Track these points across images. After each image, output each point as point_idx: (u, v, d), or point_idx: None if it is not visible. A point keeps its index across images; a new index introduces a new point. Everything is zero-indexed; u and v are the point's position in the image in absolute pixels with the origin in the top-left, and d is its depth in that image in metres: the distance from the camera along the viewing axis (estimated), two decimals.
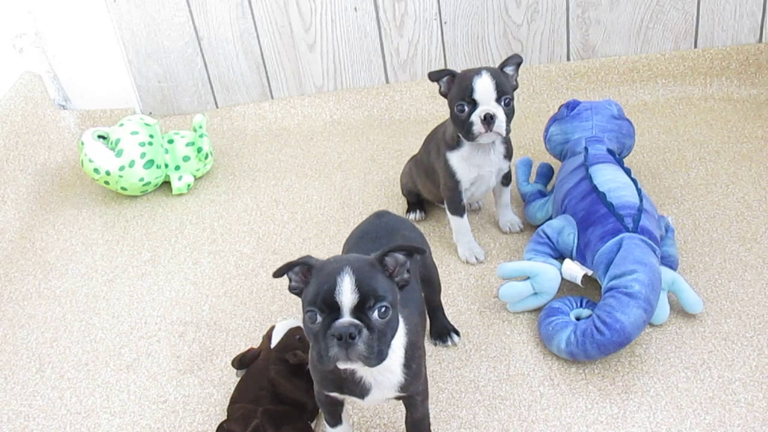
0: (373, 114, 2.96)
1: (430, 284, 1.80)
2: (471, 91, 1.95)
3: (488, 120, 1.95)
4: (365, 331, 1.28)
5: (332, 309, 1.28)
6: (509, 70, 2.02)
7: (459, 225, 2.16)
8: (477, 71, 1.97)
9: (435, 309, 1.87)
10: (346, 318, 1.28)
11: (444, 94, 2.04)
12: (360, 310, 1.28)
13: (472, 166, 2.08)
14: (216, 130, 2.99)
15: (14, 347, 2.07)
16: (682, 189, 2.33)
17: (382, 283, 1.32)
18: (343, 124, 2.95)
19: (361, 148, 2.78)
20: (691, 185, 2.34)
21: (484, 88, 1.95)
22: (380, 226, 1.71)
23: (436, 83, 2.04)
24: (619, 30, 2.85)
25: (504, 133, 1.98)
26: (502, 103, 1.97)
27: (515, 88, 2.03)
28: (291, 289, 1.39)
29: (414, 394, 1.49)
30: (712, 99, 2.79)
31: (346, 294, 1.27)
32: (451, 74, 2.02)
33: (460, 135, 2.03)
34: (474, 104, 1.96)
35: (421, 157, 2.27)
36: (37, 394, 1.92)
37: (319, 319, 1.29)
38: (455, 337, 1.88)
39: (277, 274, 1.37)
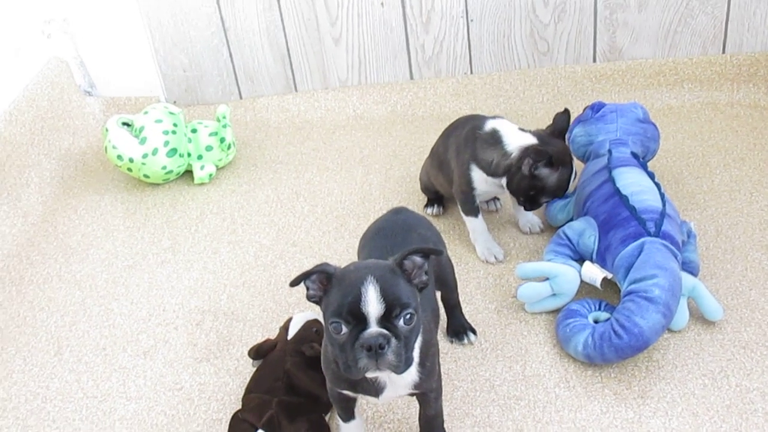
0: (397, 110, 2.96)
1: (446, 282, 1.80)
2: (566, 189, 2.11)
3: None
4: (393, 341, 1.28)
5: (358, 320, 1.28)
6: (565, 130, 2.14)
7: (474, 225, 2.16)
8: (571, 162, 2.08)
9: (452, 307, 1.87)
10: (375, 329, 1.28)
11: (531, 170, 2.03)
12: (386, 319, 1.28)
13: (492, 185, 2.10)
14: (239, 121, 3.00)
15: (33, 329, 2.09)
16: (706, 195, 2.31)
17: (405, 289, 1.32)
18: (366, 118, 2.95)
19: (384, 144, 2.78)
20: (714, 191, 2.32)
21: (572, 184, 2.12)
22: (396, 223, 1.71)
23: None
24: (647, 33, 2.83)
25: None
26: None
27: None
28: (309, 298, 1.38)
29: (428, 392, 1.49)
30: (739, 105, 2.76)
31: (373, 304, 1.27)
32: (549, 155, 2.01)
33: (518, 200, 2.14)
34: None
35: (438, 149, 2.26)
36: (55, 376, 1.93)
37: (345, 330, 1.29)
38: (472, 336, 1.88)
39: (294, 283, 1.35)
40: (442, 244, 1.78)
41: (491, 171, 2.06)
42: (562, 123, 2.09)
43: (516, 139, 2.04)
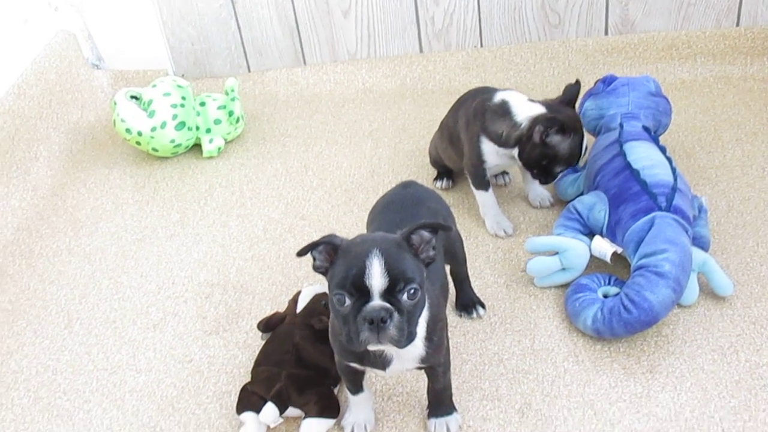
0: (406, 83, 2.94)
1: (455, 256, 1.79)
2: (580, 158, 2.07)
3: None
4: (396, 315, 1.28)
5: (362, 292, 1.28)
6: (575, 99, 2.11)
7: (484, 199, 2.15)
8: (581, 128, 2.05)
9: (461, 281, 1.86)
10: (377, 302, 1.27)
11: (543, 138, 2.01)
12: (389, 293, 1.28)
13: (503, 157, 2.08)
14: (247, 94, 2.98)
15: (44, 302, 2.09)
16: (717, 170, 2.29)
17: (410, 264, 1.31)
18: (375, 92, 2.94)
19: (393, 117, 2.76)
20: (726, 166, 2.30)
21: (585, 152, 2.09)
22: (406, 196, 1.70)
23: None
24: (660, 5, 2.80)
25: None
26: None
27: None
28: (315, 269, 1.39)
29: (435, 366, 1.49)
30: (752, 79, 2.74)
31: (376, 278, 1.27)
32: (560, 122, 2.00)
33: (532, 174, 2.10)
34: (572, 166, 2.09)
35: (448, 122, 2.24)
36: (65, 349, 1.94)
37: (348, 302, 1.29)
38: (480, 309, 1.87)
39: (301, 253, 1.36)
40: (451, 218, 1.77)
41: (502, 142, 2.04)
42: (572, 93, 2.07)
43: (525, 110, 2.02)
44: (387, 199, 1.73)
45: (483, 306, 1.89)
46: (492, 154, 2.08)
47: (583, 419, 1.59)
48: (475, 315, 1.87)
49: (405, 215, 1.62)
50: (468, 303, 1.88)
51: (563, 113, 2.01)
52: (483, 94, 2.13)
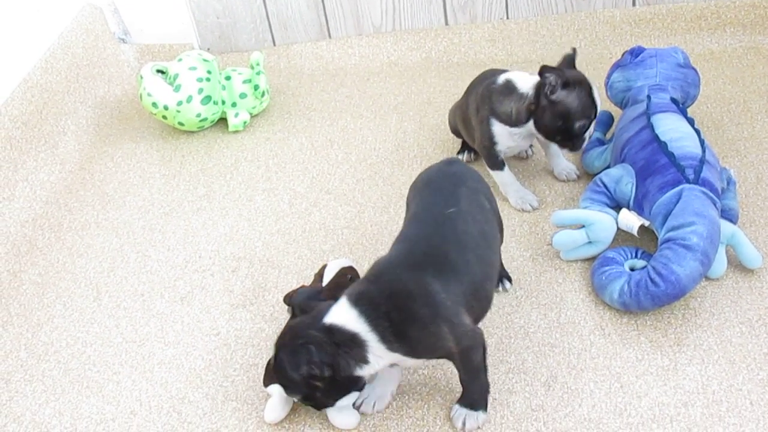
0: (431, 56, 2.93)
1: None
2: (596, 108, 2.01)
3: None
4: None
5: None
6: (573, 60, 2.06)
7: (501, 178, 2.14)
8: (586, 80, 2.00)
9: None
10: None
11: (547, 97, 1.97)
12: None
13: (515, 138, 2.07)
14: (273, 68, 2.98)
15: (73, 275, 2.12)
16: (746, 141, 2.26)
17: None
18: (400, 65, 2.92)
19: (418, 91, 2.75)
20: (755, 138, 2.27)
21: (599, 104, 2.03)
22: (447, 174, 1.71)
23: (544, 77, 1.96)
24: None
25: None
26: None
27: None
28: None
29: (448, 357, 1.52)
30: None
31: None
32: (559, 69, 1.97)
33: (557, 143, 2.07)
34: (591, 120, 2.01)
35: (462, 104, 2.24)
36: (95, 321, 1.97)
37: None
38: (507, 283, 1.87)
39: None
40: (493, 199, 1.76)
41: (513, 121, 2.03)
42: (569, 58, 2.05)
43: (529, 82, 2.01)
44: (428, 176, 1.73)
45: (509, 279, 1.88)
46: (504, 136, 2.07)
47: (610, 392, 1.59)
48: (500, 288, 1.87)
49: (444, 195, 1.63)
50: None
51: (564, 71, 1.99)
52: (487, 78, 2.12)
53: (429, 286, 1.46)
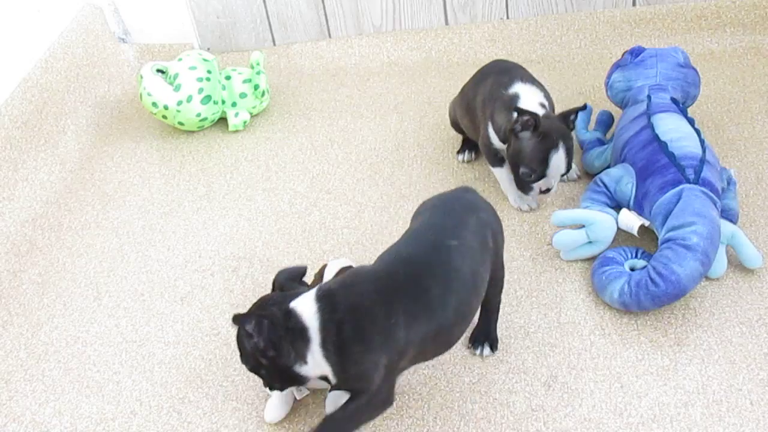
0: (431, 56, 2.93)
1: (495, 281, 1.66)
2: (546, 167, 1.94)
3: (546, 192, 2.01)
4: None
5: None
6: (573, 117, 1.98)
7: (501, 175, 2.14)
8: (555, 141, 1.92)
9: (489, 311, 1.73)
10: None
11: (515, 132, 1.95)
12: None
13: None
14: (273, 67, 2.98)
15: (73, 275, 2.12)
16: (746, 141, 2.26)
17: None
18: (400, 65, 2.92)
19: (418, 91, 2.75)
20: (755, 138, 2.27)
21: (557, 166, 1.95)
22: (460, 200, 1.63)
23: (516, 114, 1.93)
24: None
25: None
26: (564, 175, 2.03)
27: (572, 129, 2.00)
28: None
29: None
30: None
31: None
32: (533, 119, 1.91)
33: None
34: (542, 176, 1.96)
35: (468, 92, 2.22)
36: (95, 321, 1.97)
37: None
38: (486, 349, 1.72)
39: None
40: (501, 236, 1.66)
41: (500, 136, 2.04)
42: (573, 109, 1.98)
43: (532, 103, 1.98)
44: (441, 198, 1.67)
45: (493, 347, 1.72)
46: (498, 142, 2.07)
47: (610, 392, 1.60)
48: (479, 352, 1.72)
49: (453, 220, 1.57)
50: (482, 336, 1.73)
51: (550, 119, 1.94)
52: (503, 76, 2.09)
53: (393, 317, 1.41)
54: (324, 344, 1.41)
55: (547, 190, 2.00)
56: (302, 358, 1.43)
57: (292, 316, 1.43)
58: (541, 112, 1.97)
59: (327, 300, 1.43)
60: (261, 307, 1.48)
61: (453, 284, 1.47)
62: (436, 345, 1.51)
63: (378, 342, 1.40)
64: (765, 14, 2.75)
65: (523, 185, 2.01)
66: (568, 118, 1.97)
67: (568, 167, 1.97)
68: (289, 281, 1.58)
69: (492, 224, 1.62)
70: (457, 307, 1.48)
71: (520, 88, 2.04)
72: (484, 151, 2.13)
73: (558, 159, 1.93)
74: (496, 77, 2.11)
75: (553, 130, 1.93)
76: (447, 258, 1.49)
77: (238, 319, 1.45)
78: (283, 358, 1.43)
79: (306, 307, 1.43)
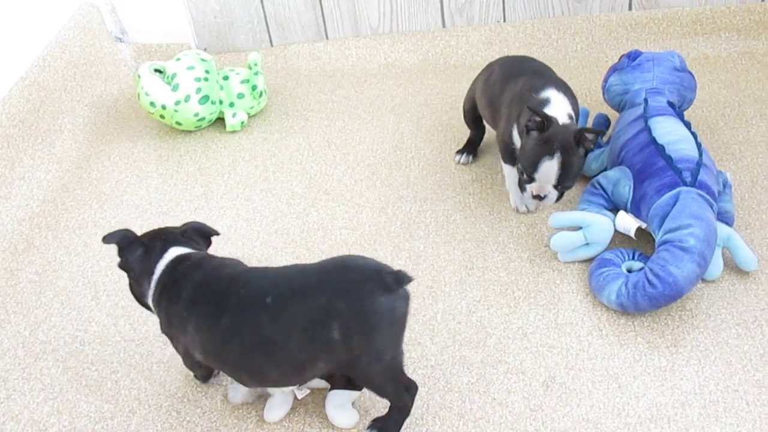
0: (428, 58, 2.94)
1: (364, 380, 1.54)
2: (534, 170, 1.91)
3: (538, 197, 1.97)
4: None
5: None
6: (590, 135, 1.90)
7: (511, 173, 2.14)
8: (551, 150, 1.88)
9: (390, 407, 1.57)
10: None
11: (528, 129, 1.93)
12: None
13: None
14: (270, 68, 2.99)
15: (70, 274, 2.12)
16: (741, 145, 2.28)
17: None
18: (397, 67, 2.93)
19: (415, 92, 2.76)
20: (750, 142, 2.29)
21: (546, 173, 1.91)
22: (334, 270, 1.49)
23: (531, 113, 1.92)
24: None
25: (550, 204, 2.00)
26: (560, 187, 1.94)
27: (589, 150, 1.93)
28: None
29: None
30: None
31: None
32: (543, 121, 1.89)
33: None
34: (533, 179, 1.94)
35: (494, 85, 2.16)
36: (93, 320, 1.97)
37: None
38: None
39: None
40: (367, 334, 1.44)
41: (522, 131, 2.01)
42: (593, 130, 1.95)
43: (561, 111, 1.95)
44: (330, 262, 1.52)
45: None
46: (518, 141, 2.04)
47: (608, 392, 1.61)
48: None
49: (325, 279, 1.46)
50: (378, 423, 1.57)
51: (563, 129, 1.90)
52: (536, 79, 2.05)
53: (193, 315, 1.49)
54: (154, 293, 1.56)
55: (539, 198, 1.96)
56: (145, 297, 1.60)
57: (154, 255, 1.56)
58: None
59: (182, 261, 1.55)
60: (155, 233, 1.62)
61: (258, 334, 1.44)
62: (226, 367, 1.53)
63: (175, 322, 1.54)
64: (759, 20, 2.77)
65: (520, 182, 2.02)
66: (583, 134, 1.89)
67: (562, 180, 1.92)
68: (195, 232, 1.65)
69: (345, 317, 1.41)
70: (242, 353, 1.46)
71: (552, 94, 1.99)
72: (500, 146, 2.11)
73: (548, 167, 1.89)
74: (529, 79, 2.07)
75: (557, 138, 1.88)
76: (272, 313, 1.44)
77: (107, 238, 1.59)
78: (137, 286, 1.61)
79: (168, 255, 1.56)
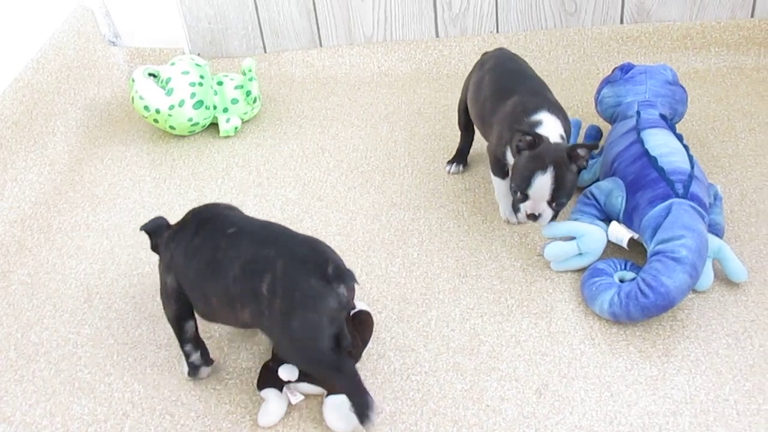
0: (422, 67, 2.96)
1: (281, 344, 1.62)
2: (528, 186, 1.88)
3: (532, 217, 1.92)
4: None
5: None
6: (581, 151, 1.87)
7: (500, 186, 2.15)
8: (544, 164, 1.85)
9: None
10: None
11: (519, 149, 1.91)
12: None
13: None
14: (263, 75, 3.00)
15: (63, 276, 2.12)
16: (731, 159, 2.31)
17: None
18: (390, 75, 2.95)
19: (408, 101, 2.78)
20: (739, 155, 2.33)
21: (540, 189, 1.87)
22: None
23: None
24: None
25: (545, 223, 1.94)
26: (554, 204, 1.90)
27: (582, 168, 1.91)
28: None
29: None
30: (766, 70, 2.75)
31: None
32: (533, 139, 1.88)
33: None
34: (527, 197, 1.90)
35: (485, 102, 2.14)
36: (85, 323, 1.96)
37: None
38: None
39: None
40: (292, 292, 1.52)
41: (514, 152, 1.98)
42: (586, 145, 1.91)
43: (553, 132, 1.93)
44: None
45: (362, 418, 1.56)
46: (511, 159, 2.00)
47: (600, 400, 1.62)
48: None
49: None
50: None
51: (553, 146, 1.89)
52: (530, 99, 2.02)
53: (176, 247, 1.69)
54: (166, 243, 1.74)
55: (533, 217, 1.91)
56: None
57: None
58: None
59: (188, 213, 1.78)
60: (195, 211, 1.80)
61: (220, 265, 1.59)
62: (187, 285, 1.66)
63: (164, 260, 1.71)
64: (748, 35, 2.81)
65: (513, 202, 1.97)
66: (576, 150, 1.87)
67: (557, 195, 1.88)
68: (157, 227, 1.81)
69: (277, 277, 1.51)
70: (197, 270, 1.63)
71: (544, 117, 1.96)
72: (491, 159, 2.11)
73: (542, 182, 1.86)
74: (522, 98, 2.03)
75: (549, 154, 1.86)
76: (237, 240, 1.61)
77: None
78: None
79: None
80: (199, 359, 1.74)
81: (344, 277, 1.50)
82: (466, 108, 2.27)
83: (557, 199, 1.89)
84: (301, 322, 1.49)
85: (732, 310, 1.81)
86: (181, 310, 1.71)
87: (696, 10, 2.83)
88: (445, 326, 1.84)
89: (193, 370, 1.75)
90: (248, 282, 1.52)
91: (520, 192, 1.91)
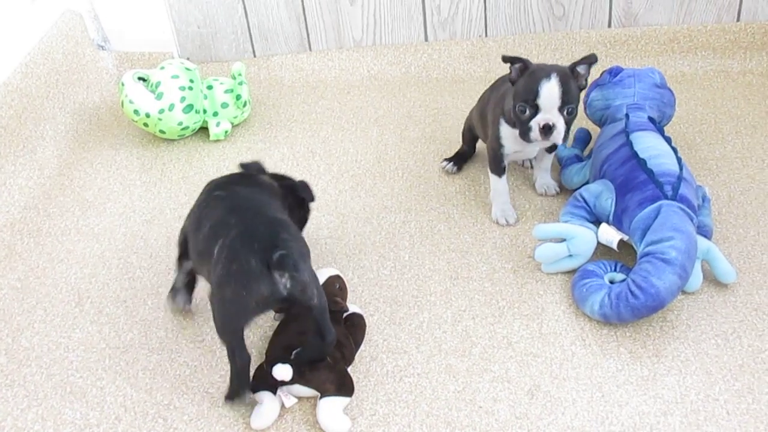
0: (411, 71, 2.97)
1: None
2: (536, 95, 1.90)
3: (546, 130, 1.92)
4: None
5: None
6: (581, 69, 1.95)
7: (496, 184, 2.17)
8: (547, 73, 1.90)
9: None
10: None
11: (512, 81, 2.00)
12: None
13: (520, 142, 2.05)
14: (253, 79, 3.00)
15: (53, 281, 2.11)
16: (718, 161, 2.33)
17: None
18: (380, 79, 2.96)
19: (398, 105, 2.79)
20: (727, 158, 2.35)
21: (549, 95, 1.89)
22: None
23: (508, 65, 1.99)
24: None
25: (560, 141, 1.94)
26: (565, 112, 1.92)
27: (583, 87, 1.97)
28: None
29: None
30: (752, 74, 2.78)
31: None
32: (524, 64, 1.96)
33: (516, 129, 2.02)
34: (536, 109, 1.92)
35: (484, 97, 2.25)
36: (76, 327, 1.96)
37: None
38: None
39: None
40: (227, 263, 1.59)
41: (512, 123, 2.03)
42: (582, 61, 1.98)
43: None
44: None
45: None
46: (509, 139, 2.07)
47: (591, 401, 1.63)
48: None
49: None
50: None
51: (542, 65, 1.97)
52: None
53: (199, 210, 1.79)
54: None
55: (548, 128, 1.91)
56: None
57: None
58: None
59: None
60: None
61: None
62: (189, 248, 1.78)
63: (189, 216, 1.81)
64: (734, 39, 2.84)
65: (523, 129, 1.95)
66: (575, 68, 1.94)
67: (566, 100, 1.90)
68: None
69: (225, 245, 1.59)
70: (190, 220, 1.80)
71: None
72: (490, 156, 2.13)
73: (549, 88, 1.88)
74: (503, 84, 2.13)
75: (549, 66, 1.93)
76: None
77: None
78: None
79: None
80: (181, 284, 1.91)
81: (285, 266, 1.51)
82: (470, 127, 2.35)
83: (567, 105, 1.91)
84: (231, 293, 1.54)
85: (721, 310, 1.82)
86: (184, 253, 1.85)
87: (683, 15, 2.85)
88: (437, 328, 1.85)
89: (173, 292, 1.91)
90: (209, 242, 1.62)
91: (529, 105, 1.92)
